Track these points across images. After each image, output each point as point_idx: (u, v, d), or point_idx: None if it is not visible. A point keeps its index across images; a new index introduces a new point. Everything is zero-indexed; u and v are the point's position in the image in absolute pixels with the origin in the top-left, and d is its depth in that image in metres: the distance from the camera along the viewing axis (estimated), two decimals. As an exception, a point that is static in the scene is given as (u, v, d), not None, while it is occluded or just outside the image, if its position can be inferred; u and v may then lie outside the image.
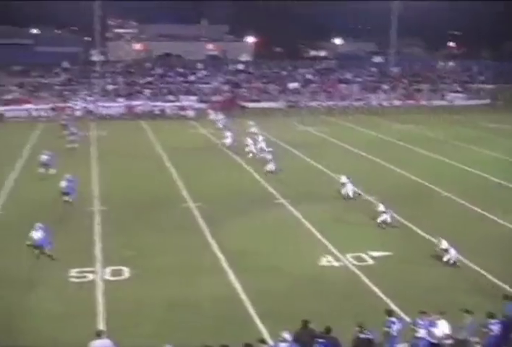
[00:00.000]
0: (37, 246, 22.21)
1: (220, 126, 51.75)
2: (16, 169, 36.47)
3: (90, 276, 20.99)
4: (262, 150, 40.01)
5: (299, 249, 23.90)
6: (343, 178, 31.05)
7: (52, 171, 34.38)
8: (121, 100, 64.59)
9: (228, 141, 43.64)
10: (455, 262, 22.13)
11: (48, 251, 22.30)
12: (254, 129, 47.49)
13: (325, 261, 22.62)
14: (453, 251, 22.19)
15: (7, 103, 61.75)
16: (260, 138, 42.37)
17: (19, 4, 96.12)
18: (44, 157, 35.05)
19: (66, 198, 28.61)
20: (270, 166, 35.66)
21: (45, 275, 21.09)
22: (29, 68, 73.41)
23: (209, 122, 54.50)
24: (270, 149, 39.28)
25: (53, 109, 60.20)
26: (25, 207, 28.44)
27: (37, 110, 60.02)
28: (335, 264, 22.43)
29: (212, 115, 57.30)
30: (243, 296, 19.52)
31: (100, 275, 21.08)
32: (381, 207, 26.66)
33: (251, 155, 40.17)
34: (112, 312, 18.28)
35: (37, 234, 22.26)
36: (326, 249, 23.72)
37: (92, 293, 19.69)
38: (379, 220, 26.41)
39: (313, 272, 21.66)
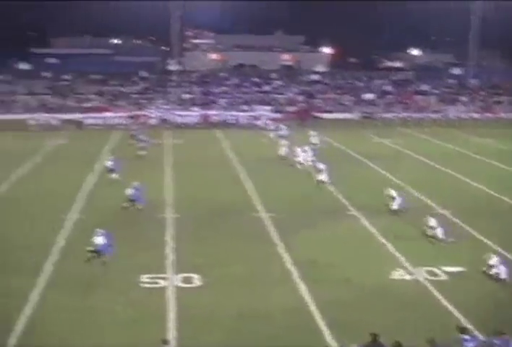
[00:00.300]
0: (98, 252, 22.68)
1: (272, 135, 51.97)
2: (94, 175, 37.28)
3: (162, 282, 21.20)
4: (311, 160, 39.90)
5: (370, 261, 23.58)
6: (393, 192, 30.47)
7: (116, 176, 35.38)
8: (196, 109, 65.40)
9: (283, 150, 43.51)
10: (502, 279, 21.44)
11: (105, 258, 22.70)
12: (314, 140, 47.40)
13: (397, 274, 22.23)
14: (502, 268, 21.56)
15: (86, 110, 63.44)
16: (307, 147, 42.01)
17: (99, 15, 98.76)
18: (109, 163, 36.29)
19: (130, 205, 29.29)
20: (323, 177, 35.32)
21: (116, 280, 21.43)
22: (108, 77, 75.33)
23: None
24: (313, 158, 39.74)
25: (131, 117, 61.45)
26: (102, 212, 29.05)
27: (115, 118, 61.41)
28: (407, 277, 22.02)
29: (272, 125, 57.33)
30: (312, 307, 19.36)
31: (172, 281, 21.28)
32: (432, 222, 26.04)
33: (299, 165, 40.07)
34: (183, 319, 18.39)
35: (98, 239, 22.76)
36: (398, 263, 23.33)
37: (163, 299, 19.87)
38: (429, 234, 25.87)
39: (384, 285, 21.31)
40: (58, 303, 19.47)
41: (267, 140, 51.46)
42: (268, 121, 60.09)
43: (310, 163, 39.49)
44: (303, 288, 20.79)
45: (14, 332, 17.51)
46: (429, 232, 25.92)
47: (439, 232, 25.69)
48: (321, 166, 35.93)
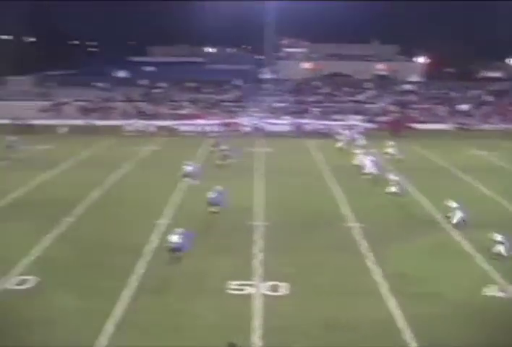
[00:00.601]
0: (174, 249, 23.50)
1: (343, 145, 51.41)
2: (184, 181, 37.76)
3: (248, 289, 21.25)
4: (378, 170, 39.19)
5: (462, 276, 22.91)
6: (453, 203, 29.40)
7: (195, 182, 36.20)
8: (288, 117, 65.43)
9: (359, 159, 42.72)
10: None
11: (179, 255, 23.54)
12: (390, 150, 46.71)
13: (490, 291, 21.50)
14: None
15: (180, 117, 64.62)
16: (369, 158, 41.12)
17: (195, 24, 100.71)
18: (188, 168, 37.32)
19: (213, 209, 29.63)
20: (394, 188, 34.52)
21: (203, 285, 21.69)
22: (201, 85, 76.57)
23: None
24: (375, 168, 39.04)
25: (223, 125, 62.12)
26: (191, 217, 29.38)
27: (207, 125, 62.22)
28: (501, 294, 21.28)
29: (346, 134, 56.72)
30: (401, 320, 18.98)
31: (259, 289, 21.28)
32: (498, 238, 24.96)
33: (368, 175, 39.29)
34: (268, 327, 18.37)
35: (174, 238, 23.55)
36: (492, 279, 22.58)
37: (250, 306, 19.91)
38: (493, 250, 24.77)
39: (476, 301, 20.65)
40: (147, 305, 19.86)
41: (350, 149, 50.66)
42: (346, 131, 59.35)
43: (376, 173, 38.88)
44: (392, 301, 20.42)
45: (104, 332, 17.91)
46: (495, 248, 24.90)
47: (504, 248, 24.66)
48: (393, 177, 35.25)
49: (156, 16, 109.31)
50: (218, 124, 62.35)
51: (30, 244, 25.53)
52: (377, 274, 22.89)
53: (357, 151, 44.49)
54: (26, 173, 39.51)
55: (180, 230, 23.97)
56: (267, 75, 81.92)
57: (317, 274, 22.88)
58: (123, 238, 26.63)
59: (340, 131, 58.57)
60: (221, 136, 54.17)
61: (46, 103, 68.72)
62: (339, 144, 51.86)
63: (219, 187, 30.53)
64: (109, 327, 18.26)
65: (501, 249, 24.54)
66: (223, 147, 45.24)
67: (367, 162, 40.29)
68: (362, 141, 51.91)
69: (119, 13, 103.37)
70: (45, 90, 74.57)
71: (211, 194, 29.77)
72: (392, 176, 35.45)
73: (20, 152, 46.49)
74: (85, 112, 67.08)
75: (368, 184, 37.74)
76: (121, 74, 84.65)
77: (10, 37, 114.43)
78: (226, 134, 57.04)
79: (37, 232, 27.12)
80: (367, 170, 39.70)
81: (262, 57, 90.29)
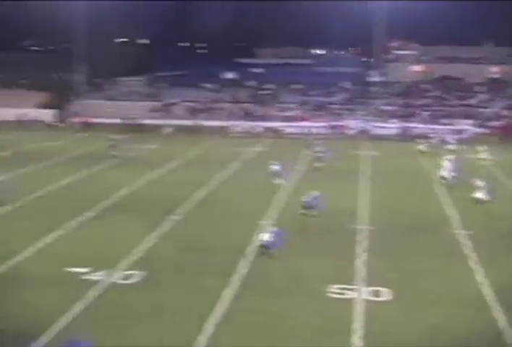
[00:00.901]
0: (264, 246, 23.89)
1: (423, 148, 50.19)
2: (288, 182, 37.70)
3: (350, 293, 20.88)
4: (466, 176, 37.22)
5: None
6: None
7: (280, 181, 36.55)
8: (395, 121, 64.39)
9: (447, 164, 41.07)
10: None
11: (269, 252, 23.78)
12: (484, 155, 45.17)
13: None
14: None
15: (287, 119, 64.81)
16: (448, 162, 39.40)
17: (302, 26, 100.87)
18: (274, 168, 37.41)
19: (306, 212, 29.26)
20: (480, 194, 32.76)
21: (304, 287, 21.46)
22: (308, 87, 76.48)
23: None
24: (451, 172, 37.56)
25: (330, 127, 61.82)
26: (294, 219, 29.17)
27: (313, 127, 62.02)
28: None
29: (432, 137, 55.17)
30: (508, 333, 18.11)
31: (360, 294, 20.88)
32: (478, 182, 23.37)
33: (443, 180, 37.75)
34: (369, 332, 17.94)
35: (266, 236, 23.97)
36: None
37: (350, 310, 19.53)
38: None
39: None
40: (248, 305, 19.80)
41: (434, 152, 48.95)
42: (433, 134, 57.83)
43: (453, 178, 37.44)
44: (497, 312, 19.52)
45: (204, 331, 17.92)
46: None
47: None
48: (479, 183, 33.56)
49: (265, 18, 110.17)
50: (325, 126, 62.11)
51: (135, 242, 26.05)
52: (483, 283, 21.97)
53: (446, 155, 42.96)
54: (132, 171, 40.58)
55: (273, 228, 24.25)
56: (375, 78, 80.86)
57: (421, 280, 22.24)
58: (226, 238, 26.86)
59: (430, 135, 57.40)
60: (317, 138, 53.70)
61: (157, 104, 70.54)
62: (420, 147, 50.67)
63: (315, 192, 30.13)
64: (209, 326, 18.28)
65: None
66: (318, 149, 44.95)
67: (446, 166, 39.09)
68: (453, 145, 50.55)
69: (228, 15, 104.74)
70: (156, 90, 76.52)
71: (306, 198, 29.54)
72: (478, 182, 33.80)
73: (124, 150, 47.68)
74: (193, 112, 68.37)
75: (463, 190, 36.28)
76: (229, 75, 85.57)
77: (125, 40, 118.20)
78: (331, 136, 56.62)
79: (142, 230, 27.70)
80: (445, 175, 38.30)
81: (371, 59, 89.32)
